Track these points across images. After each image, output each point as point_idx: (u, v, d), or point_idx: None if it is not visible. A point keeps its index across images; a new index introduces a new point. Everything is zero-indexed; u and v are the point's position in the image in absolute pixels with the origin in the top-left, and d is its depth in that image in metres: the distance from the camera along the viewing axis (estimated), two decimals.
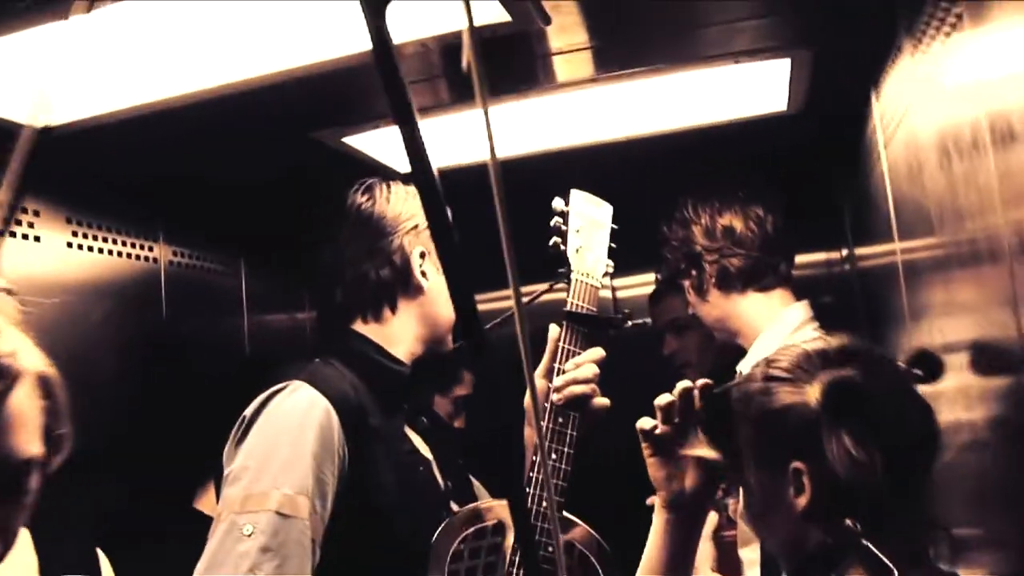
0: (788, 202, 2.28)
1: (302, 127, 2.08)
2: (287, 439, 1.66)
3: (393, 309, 1.90)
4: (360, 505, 1.71)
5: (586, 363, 1.86)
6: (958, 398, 1.49)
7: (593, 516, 1.86)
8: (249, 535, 1.58)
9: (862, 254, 2.64)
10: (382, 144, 2.26)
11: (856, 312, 2.75)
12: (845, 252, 3.04)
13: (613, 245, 2.00)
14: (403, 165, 2.35)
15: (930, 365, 1.40)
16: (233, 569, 1.56)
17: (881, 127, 1.99)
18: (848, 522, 1.15)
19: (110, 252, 2.25)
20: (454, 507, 1.89)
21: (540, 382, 1.90)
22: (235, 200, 2.49)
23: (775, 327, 2.15)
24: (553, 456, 1.78)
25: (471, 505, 1.84)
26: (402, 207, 1.91)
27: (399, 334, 1.90)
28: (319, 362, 1.85)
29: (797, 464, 1.25)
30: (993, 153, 1.21)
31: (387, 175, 1.99)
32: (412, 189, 1.93)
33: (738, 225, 2.21)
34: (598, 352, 1.88)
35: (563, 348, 1.87)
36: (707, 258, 2.23)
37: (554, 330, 1.90)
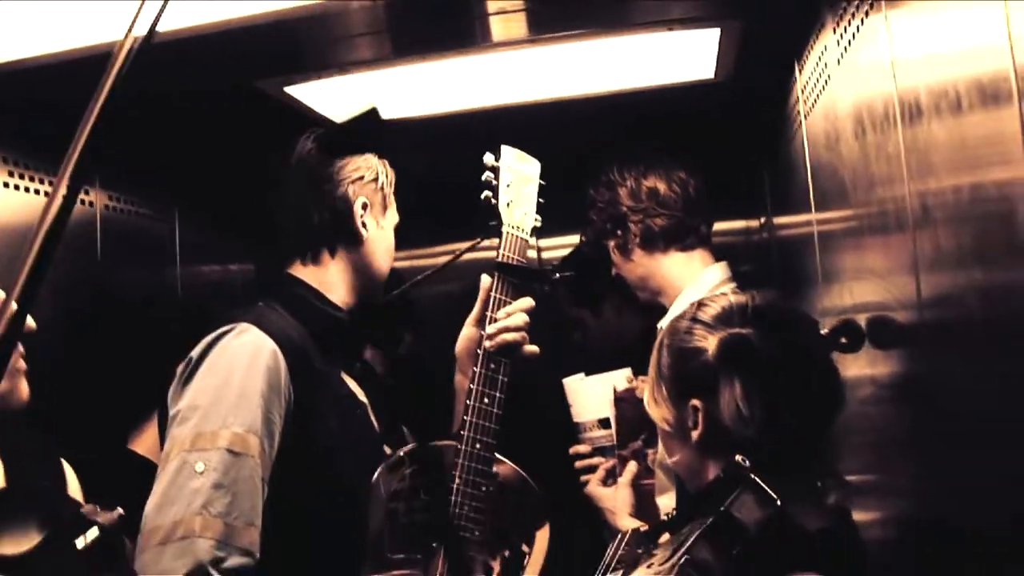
0: (710, 168, 2.39)
1: (244, 77, 2.09)
2: (236, 379, 1.70)
3: (332, 254, 1.95)
4: (305, 445, 1.76)
5: (517, 312, 1.93)
6: (862, 356, 1.60)
7: (522, 456, 1.95)
8: (201, 472, 1.61)
9: (780, 223, 2.74)
10: (323, 96, 2.27)
11: (772, 279, 2.85)
12: (764, 220, 3.14)
13: (541, 200, 2.07)
14: (342, 116, 2.38)
15: (853, 335, 1.54)
16: (186, 506, 1.59)
17: (802, 99, 2.08)
18: (738, 458, 1.26)
19: (46, 194, 2.24)
20: (387, 450, 1.95)
21: (471, 330, 1.98)
22: (171, 148, 2.49)
23: (695, 285, 2.27)
24: (485, 400, 1.86)
25: (409, 445, 1.90)
26: (348, 157, 1.96)
27: (335, 281, 1.95)
28: (263, 305, 1.88)
29: (695, 401, 1.43)
30: (902, 128, 1.30)
31: (326, 127, 2.02)
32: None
33: (662, 187, 2.31)
34: (528, 301, 1.96)
35: (494, 297, 1.94)
36: (632, 218, 2.33)
37: (485, 280, 1.97)
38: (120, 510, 1.38)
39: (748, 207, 3.27)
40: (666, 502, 2.14)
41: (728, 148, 2.70)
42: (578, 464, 2.26)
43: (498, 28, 2.01)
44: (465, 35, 2.03)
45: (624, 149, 2.41)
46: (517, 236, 1.99)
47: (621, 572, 1.44)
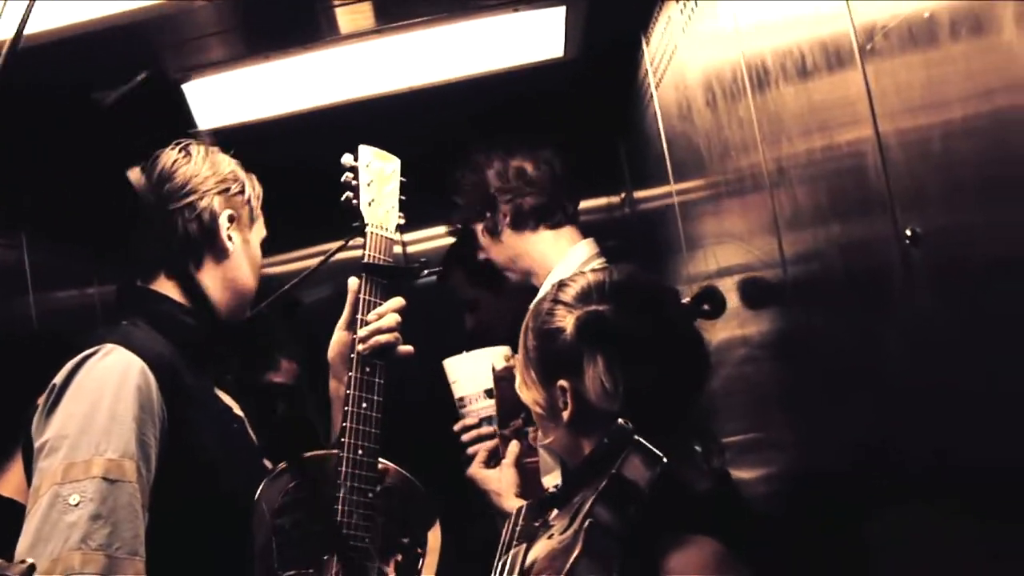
0: (569, 147, 2.40)
1: (82, 87, 1.98)
2: (105, 403, 1.61)
3: (198, 268, 1.87)
4: (182, 465, 1.69)
5: (388, 312, 1.89)
6: (732, 318, 1.63)
7: (407, 457, 1.92)
8: (76, 504, 1.52)
9: (641, 196, 2.77)
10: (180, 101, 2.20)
11: (636, 252, 2.88)
12: (624, 195, 3.17)
13: (403, 197, 2.04)
14: (203, 121, 2.31)
15: (714, 302, 1.56)
16: (63, 542, 1.50)
17: (651, 71, 2.10)
18: (620, 421, 1.26)
19: None
20: (267, 464, 1.90)
21: (342, 334, 1.93)
22: (11, 167, 2.34)
23: (564, 263, 2.27)
24: (363, 405, 1.82)
25: (289, 460, 1.84)
26: (216, 169, 1.89)
27: (202, 295, 1.87)
28: (127, 324, 1.79)
29: (562, 382, 1.42)
30: (751, 92, 1.32)
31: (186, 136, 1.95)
32: (226, 158, 1.94)
33: (529, 167, 2.32)
34: (399, 301, 1.92)
35: (364, 299, 1.89)
36: (501, 199, 2.33)
37: (353, 282, 1.92)
38: (30, 560, 1.27)
39: (608, 184, 3.29)
40: (551, 481, 2.14)
41: (584, 126, 2.72)
42: (465, 437, 2.24)
43: (344, 20, 1.98)
44: (313, 29, 1.99)
45: (486, 133, 2.41)
46: (381, 235, 1.95)
47: (524, 547, 1.42)
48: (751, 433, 1.70)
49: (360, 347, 1.85)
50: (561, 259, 2.29)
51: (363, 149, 2.00)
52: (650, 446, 1.24)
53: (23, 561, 1.24)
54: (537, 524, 1.44)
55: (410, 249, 3.37)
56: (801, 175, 1.18)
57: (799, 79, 1.12)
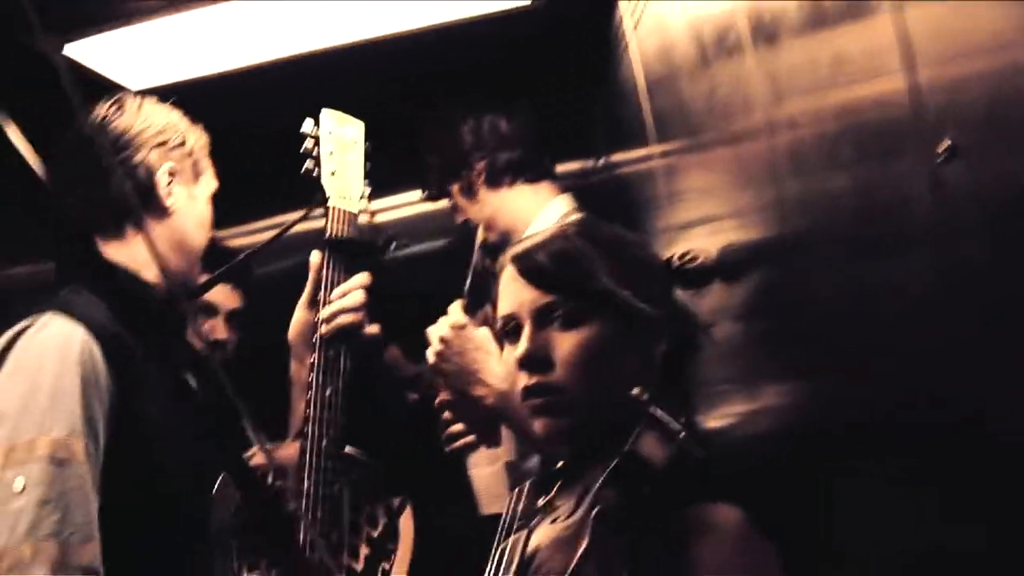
0: (541, 107, 2.36)
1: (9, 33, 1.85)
2: (47, 377, 1.50)
3: (137, 228, 1.75)
4: (131, 441, 1.58)
5: (352, 290, 1.80)
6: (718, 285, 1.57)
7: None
8: (21, 491, 1.43)
9: (619, 160, 2.68)
10: (108, 54, 2.07)
11: (614, 217, 2.79)
12: (601, 161, 3.07)
13: (368, 164, 1.95)
14: (133, 78, 2.17)
15: (700, 271, 1.48)
16: (9, 532, 1.41)
17: (628, 13, 2.01)
18: (636, 391, 1.16)
19: None
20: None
21: (304, 313, 1.84)
22: None
23: (543, 217, 2.22)
24: (327, 391, 1.73)
25: (249, 451, 1.75)
26: (152, 120, 1.75)
27: (144, 257, 1.75)
28: (68, 290, 1.67)
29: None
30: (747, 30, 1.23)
31: (112, 90, 1.82)
32: (164, 108, 1.79)
33: (502, 123, 2.29)
34: (364, 278, 1.82)
35: (327, 277, 1.80)
36: (476, 156, 2.28)
37: (315, 257, 1.83)
38: None
39: (583, 145, 3.15)
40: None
41: (556, 83, 2.64)
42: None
43: None
44: None
45: (451, 89, 2.36)
46: (344, 209, 1.85)
47: (524, 534, 1.32)
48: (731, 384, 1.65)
49: (323, 328, 1.77)
50: (540, 213, 2.24)
51: (325, 114, 1.92)
52: (668, 418, 1.14)
53: None
54: (540, 504, 1.32)
55: (379, 218, 3.26)
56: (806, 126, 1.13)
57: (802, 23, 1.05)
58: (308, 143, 1.88)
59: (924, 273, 0.90)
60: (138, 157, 1.72)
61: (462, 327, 1.60)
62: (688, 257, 1.59)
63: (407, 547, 1.80)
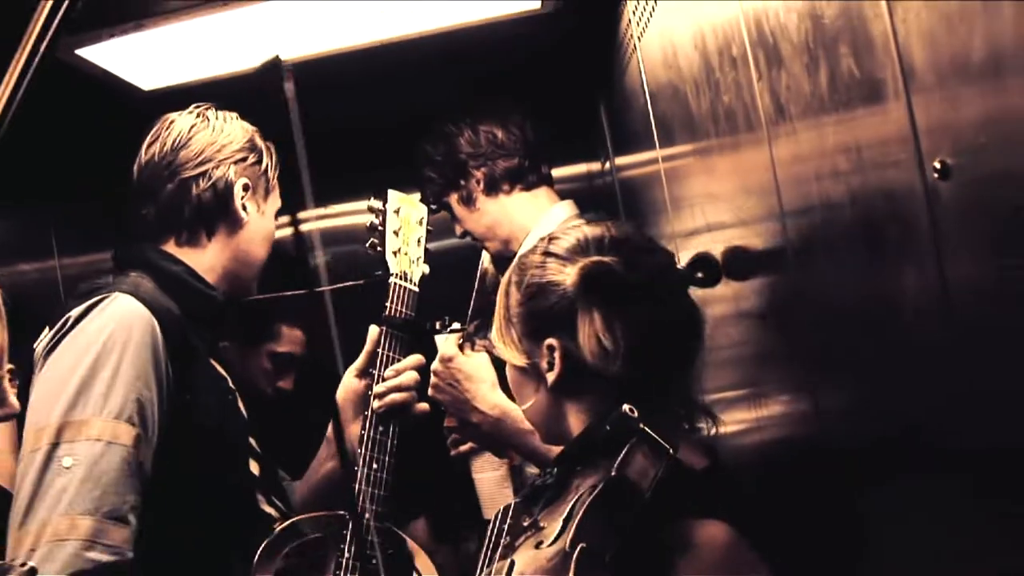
0: (546, 110, 2.36)
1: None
2: (108, 359, 1.56)
3: (210, 237, 1.80)
4: (183, 426, 1.63)
5: (406, 369, 1.82)
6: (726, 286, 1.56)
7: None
8: (69, 467, 1.49)
9: (623, 163, 2.67)
10: (122, 58, 2.10)
11: (618, 212, 2.79)
12: (605, 161, 3.03)
13: (428, 248, 1.98)
14: (148, 80, 2.21)
15: (709, 269, 1.50)
16: (53, 505, 1.47)
17: (634, 20, 2.01)
18: (626, 408, 1.17)
19: None
20: (253, 443, 1.83)
21: (354, 380, 1.86)
22: None
23: (543, 224, 2.19)
24: (375, 466, 1.74)
25: (290, 520, 1.75)
26: (234, 136, 1.83)
27: (211, 264, 1.80)
28: (136, 275, 1.72)
29: (550, 340, 1.28)
30: (747, 37, 1.22)
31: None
32: (245, 125, 1.87)
33: (499, 132, 2.28)
34: (418, 359, 1.84)
35: (382, 354, 1.81)
36: (472, 165, 2.28)
37: (373, 331, 1.85)
38: (31, 563, 1.24)
39: (588, 149, 3.16)
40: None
41: (563, 86, 2.66)
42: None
43: None
44: None
45: (459, 92, 2.40)
46: (406, 287, 1.88)
47: (508, 561, 1.29)
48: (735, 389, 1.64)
49: (375, 403, 1.78)
50: (540, 220, 2.22)
51: (391, 194, 1.96)
52: (657, 437, 1.11)
53: (24, 564, 1.23)
54: (525, 524, 1.24)
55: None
56: (803, 128, 1.10)
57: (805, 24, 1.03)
58: (373, 219, 1.92)
59: (924, 285, 0.87)
60: (218, 172, 1.78)
61: (450, 360, 1.75)
62: (699, 257, 1.59)
63: None
